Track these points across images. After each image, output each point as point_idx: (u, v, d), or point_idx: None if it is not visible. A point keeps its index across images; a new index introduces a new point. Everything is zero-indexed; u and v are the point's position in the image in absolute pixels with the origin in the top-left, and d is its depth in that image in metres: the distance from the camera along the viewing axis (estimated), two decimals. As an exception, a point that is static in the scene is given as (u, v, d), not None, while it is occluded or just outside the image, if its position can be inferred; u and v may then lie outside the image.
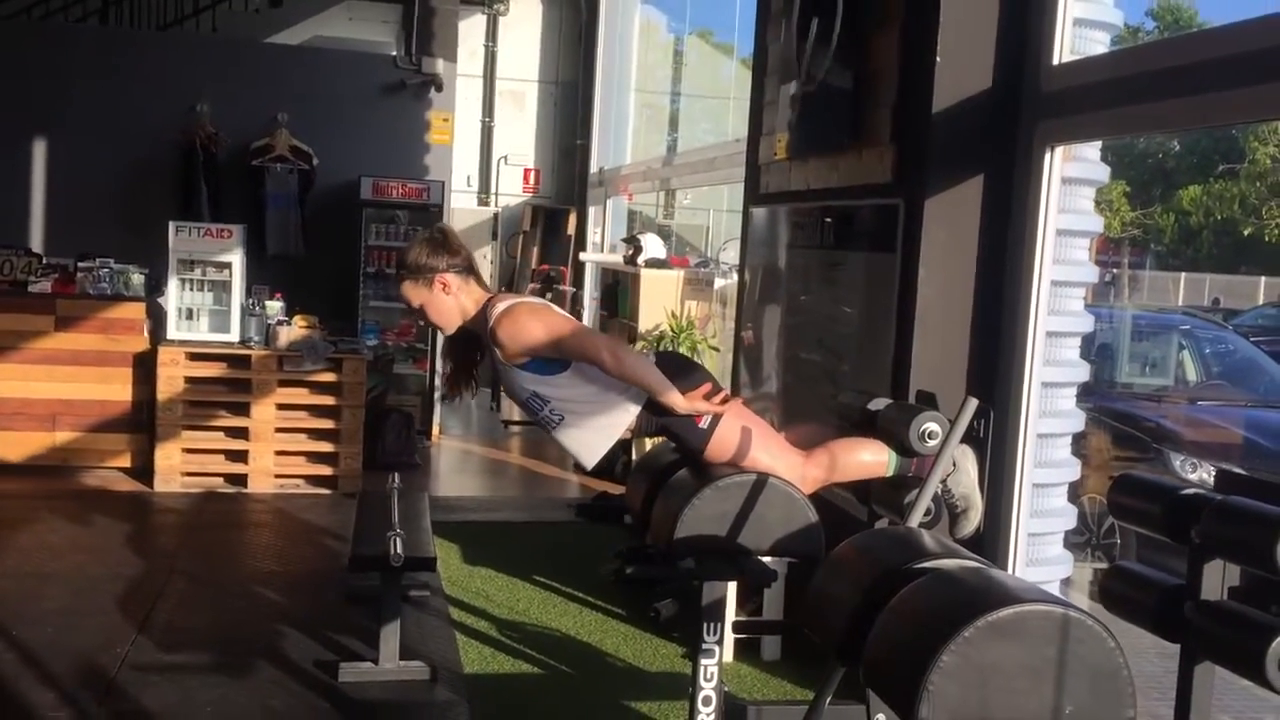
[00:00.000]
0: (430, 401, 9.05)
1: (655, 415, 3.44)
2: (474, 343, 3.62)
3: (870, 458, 3.53)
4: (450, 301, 3.52)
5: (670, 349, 7.40)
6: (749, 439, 3.46)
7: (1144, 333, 8.34)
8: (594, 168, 11.43)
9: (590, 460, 3.58)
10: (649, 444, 6.90)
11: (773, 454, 3.46)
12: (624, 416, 3.45)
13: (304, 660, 4.37)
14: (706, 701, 3.31)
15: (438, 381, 9.16)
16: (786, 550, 3.38)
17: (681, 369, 3.54)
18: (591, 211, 11.46)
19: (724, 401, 3.43)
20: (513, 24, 11.90)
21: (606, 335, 3.49)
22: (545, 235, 11.62)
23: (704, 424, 3.41)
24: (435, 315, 3.54)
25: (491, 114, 11.88)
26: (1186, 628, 2.40)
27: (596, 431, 3.48)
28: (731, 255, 7.88)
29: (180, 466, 6.96)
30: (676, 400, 3.36)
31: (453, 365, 3.72)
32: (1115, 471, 6.03)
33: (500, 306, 3.44)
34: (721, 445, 3.43)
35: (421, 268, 3.50)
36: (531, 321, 3.40)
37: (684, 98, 12.13)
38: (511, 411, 10.56)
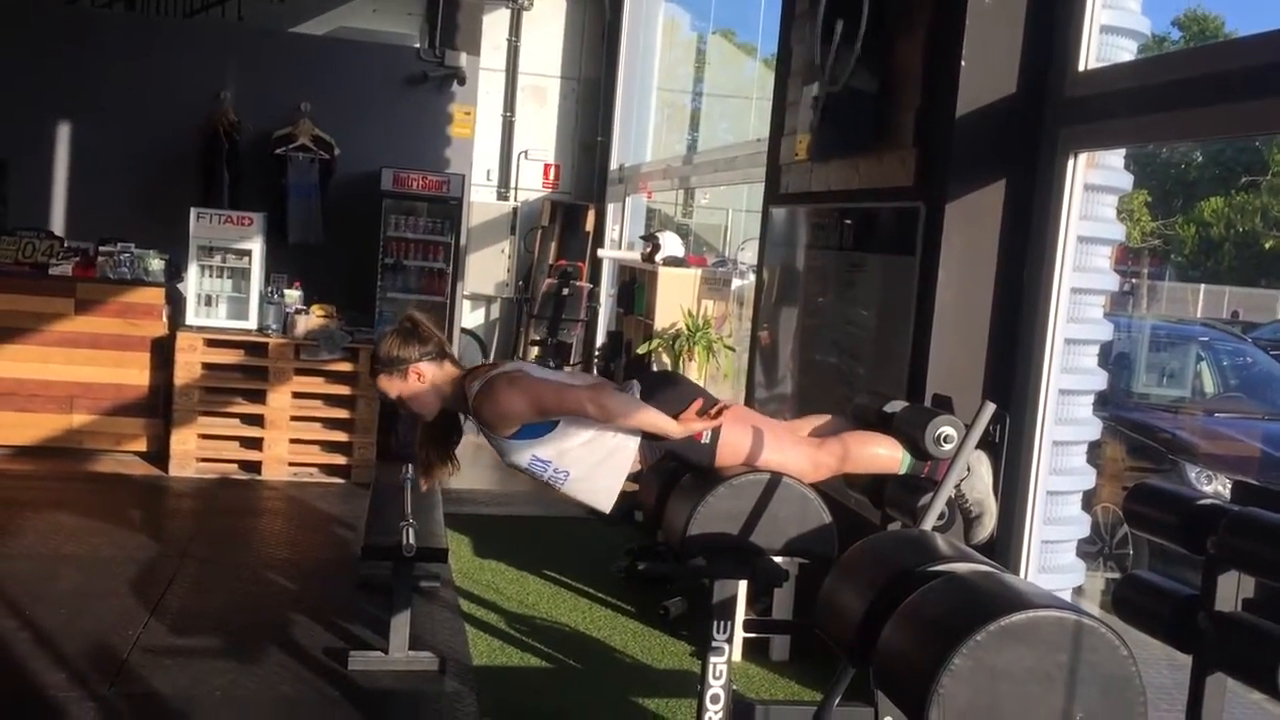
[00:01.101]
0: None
1: (656, 442, 3.43)
2: (453, 424, 3.62)
3: (885, 452, 3.52)
4: (427, 389, 3.52)
5: (650, 358, 7.38)
6: (756, 441, 3.45)
7: (1162, 343, 8.31)
8: (614, 165, 11.43)
9: (607, 505, 3.55)
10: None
11: (782, 449, 3.45)
12: (626, 453, 3.43)
13: (314, 647, 4.38)
14: (715, 700, 3.31)
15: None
16: (799, 550, 3.38)
17: (668, 388, 3.52)
18: (610, 208, 11.46)
19: (718, 414, 3.41)
20: (536, 19, 11.90)
21: (587, 384, 3.46)
22: (564, 231, 11.62)
23: (705, 439, 3.40)
24: (415, 405, 3.53)
25: (513, 109, 11.88)
26: (1199, 638, 2.39)
27: (605, 475, 3.46)
28: (750, 255, 7.87)
29: (195, 452, 6.99)
30: (672, 429, 3.34)
31: (430, 452, 3.67)
32: (1129, 481, 6.02)
33: (476, 385, 3.41)
34: (729, 454, 3.42)
35: (394, 360, 3.50)
36: (511, 394, 3.37)
37: (705, 97, 12.12)
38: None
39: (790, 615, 4.54)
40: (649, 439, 3.43)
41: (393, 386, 3.53)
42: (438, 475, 3.71)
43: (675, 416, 3.37)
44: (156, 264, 7.39)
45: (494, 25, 11.34)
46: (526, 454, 3.44)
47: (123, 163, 8.55)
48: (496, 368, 3.52)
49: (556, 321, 10.79)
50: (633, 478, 3.61)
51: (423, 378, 3.51)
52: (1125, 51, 3.95)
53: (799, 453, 3.43)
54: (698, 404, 3.42)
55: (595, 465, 3.44)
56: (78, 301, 7.18)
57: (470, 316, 11.45)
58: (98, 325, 7.16)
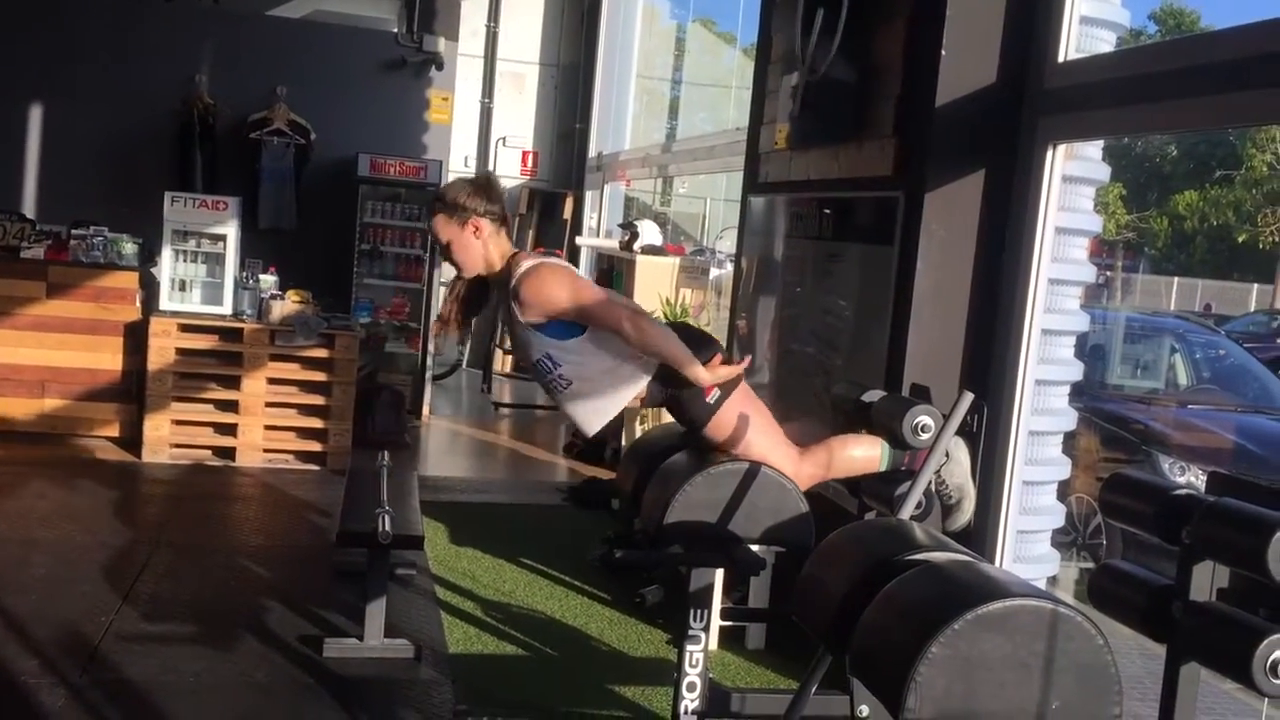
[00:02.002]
0: (421, 381, 9.03)
1: (665, 386, 3.44)
2: (484, 293, 3.60)
3: (864, 453, 3.55)
4: (478, 246, 3.52)
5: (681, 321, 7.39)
6: (751, 423, 3.47)
7: (1136, 335, 8.37)
8: (592, 152, 11.41)
9: (593, 428, 3.59)
10: (639, 429, 6.90)
11: (772, 443, 3.48)
12: (633, 387, 3.46)
13: (288, 634, 4.36)
14: (691, 688, 3.31)
15: (429, 361, 9.16)
16: (777, 539, 3.39)
17: (695, 341, 3.54)
18: (589, 196, 11.44)
19: (738, 373, 3.44)
20: (515, 5, 11.85)
21: (628, 303, 3.47)
22: (541, 218, 11.60)
23: (711, 398, 3.42)
24: (460, 254, 3.53)
25: (491, 95, 11.83)
26: (1174, 628, 2.40)
27: (604, 399, 3.49)
28: (728, 244, 7.87)
29: (169, 438, 6.93)
30: (700, 373, 3.36)
31: (455, 301, 3.68)
32: (1104, 472, 6.06)
33: (526, 264, 3.43)
34: (725, 423, 3.45)
35: (459, 205, 3.50)
36: (556, 284, 3.39)
37: (684, 85, 12.11)
38: (502, 394, 10.56)
39: (767, 604, 4.54)
40: (660, 380, 3.43)
41: (447, 231, 3.52)
42: (450, 331, 3.72)
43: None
44: (130, 248, 7.31)
45: (472, 10, 11.28)
46: (541, 349, 3.44)
47: (96, 145, 8.47)
48: (548, 257, 3.53)
49: (534, 309, 10.76)
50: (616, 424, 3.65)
51: (479, 233, 3.51)
52: (1104, 43, 3.96)
53: (784, 454, 3.46)
54: (719, 359, 3.43)
55: (600, 386, 3.47)
56: (49, 285, 7.10)
57: (447, 303, 11.39)
58: (70, 309, 7.09)
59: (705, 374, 3.37)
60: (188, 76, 8.54)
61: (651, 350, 3.36)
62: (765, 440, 3.48)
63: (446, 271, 10.44)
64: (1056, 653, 2.12)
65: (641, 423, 7.21)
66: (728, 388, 3.47)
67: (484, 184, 3.56)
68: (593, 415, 3.52)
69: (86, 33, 8.52)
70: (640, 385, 3.45)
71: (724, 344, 6.39)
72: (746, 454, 3.49)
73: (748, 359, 3.51)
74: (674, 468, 3.47)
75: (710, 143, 8.45)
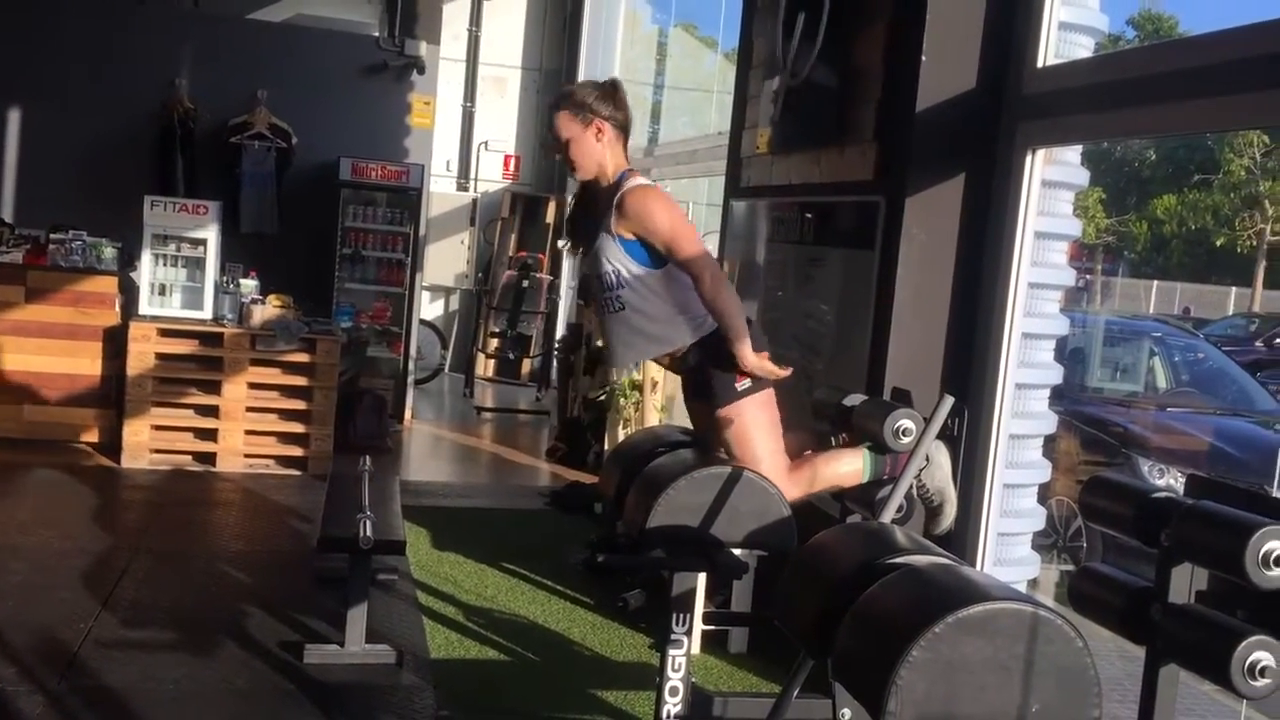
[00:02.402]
0: (403, 385, 9.02)
1: (703, 355, 3.46)
2: (593, 206, 3.62)
3: (847, 468, 3.58)
4: (598, 149, 3.55)
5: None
6: (760, 427, 3.49)
7: (1116, 338, 8.42)
8: (574, 157, 11.39)
9: (623, 361, 3.65)
10: (621, 433, 6.90)
11: (770, 452, 3.50)
12: (675, 339, 3.51)
13: (269, 641, 4.34)
14: (673, 692, 3.31)
15: (411, 365, 9.14)
16: (759, 543, 3.39)
17: (755, 333, 3.57)
18: (571, 200, 11.42)
19: (776, 378, 3.50)
20: (497, 9, 11.84)
21: (716, 261, 3.50)
22: (524, 222, 11.59)
23: (741, 386, 3.44)
24: (577, 154, 3.55)
25: (473, 99, 11.83)
26: (1153, 630, 2.42)
27: (645, 338, 3.53)
28: (710, 248, 7.86)
29: (149, 443, 6.89)
30: (748, 353, 3.39)
31: (574, 212, 3.77)
32: (1083, 475, 6.08)
33: (639, 180, 3.51)
34: (740, 414, 3.47)
35: (585, 105, 3.54)
36: (662, 205, 3.45)
37: (666, 89, 12.11)
38: (485, 398, 10.55)
39: (749, 608, 4.55)
40: (699, 347, 3.45)
41: (569, 128, 3.54)
42: (578, 242, 3.74)
43: None
44: (109, 252, 7.27)
45: (454, 14, 11.27)
46: (616, 261, 3.47)
47: (76, 149, 8.42)
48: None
49: (516, 313, 10.77)
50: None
51: (601, 135, 3.54)
52: (1083, 48, 3.99)
53: (776, 466, 3.48)
54: (768, 354, 3.48)
55: (648, 323, 3.50)
56: (28, 290, 7.05)
57: (429, 308, 11.40)
58: (49, 314, 7.04)
59: (752, 357, 3.40)
60: (168, 80, 8.50)
61: (719, 309, 3.40)
62: (765, 448, 3.50)
63: (429, 275, 10.48)
64: (1036, 655, 2.13)
65: (623, 426, 7.21)
66: (759, 384, 3.50)
67: (612, 90, 3.60)
68: (628, 348, 3.57)
69: (64, 36, 8.47)
70: (682, 342, 3.50)
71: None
72: (742, 454, 3.50)
73: (790, 370, 3.52)
74: (657, 472, 3.47)
75: (692, 147, 8.46)
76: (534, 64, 11.93)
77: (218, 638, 4.33)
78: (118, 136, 8.49)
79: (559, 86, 11.52)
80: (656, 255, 3.45)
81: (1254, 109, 3.14)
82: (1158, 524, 2.42)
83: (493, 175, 11.88)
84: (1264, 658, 2.18)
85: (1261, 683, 2.19)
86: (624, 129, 3.58)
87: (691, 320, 3.48)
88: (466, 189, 11.82)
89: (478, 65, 11.82)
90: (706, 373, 3.49)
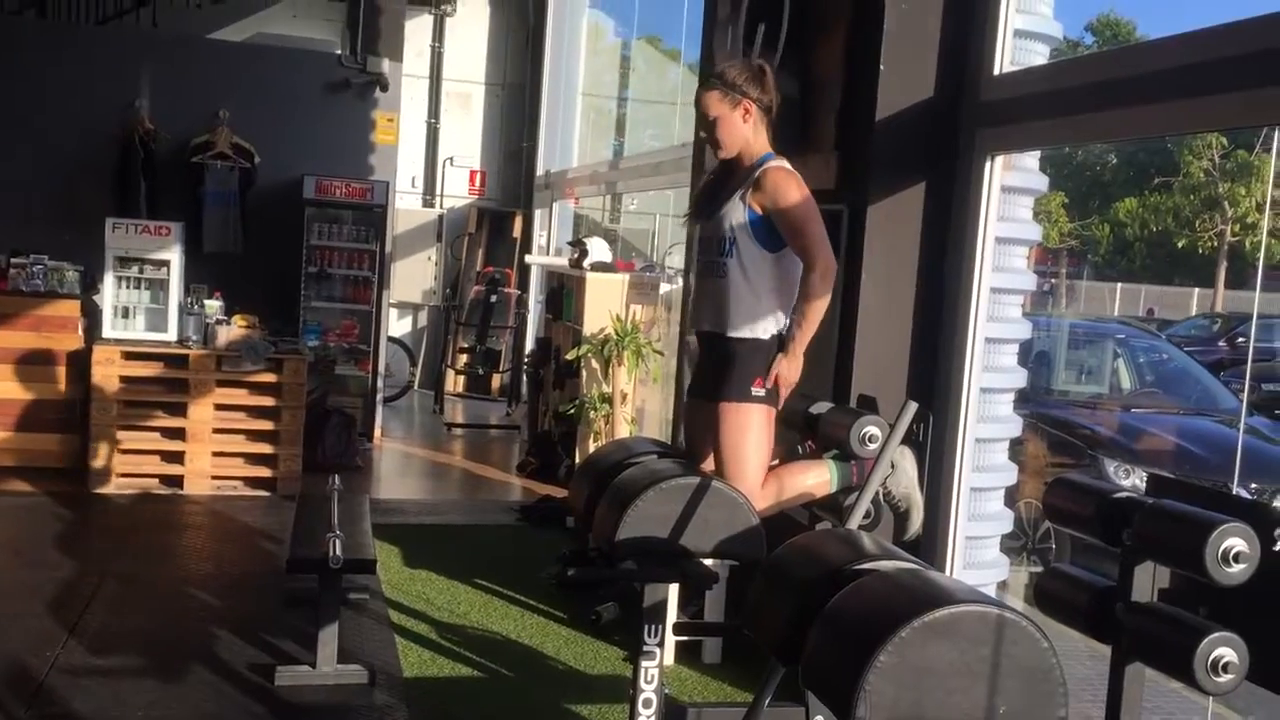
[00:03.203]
0: (372, 403, 8.98)
1: (740, 350, 3.53)
2: (729, 181, 3.64)
3: (813, 479, 3.60)
4: (743, 129, 3.58)
5: (580, 364, 7.42)
6: (757, 438, 3.50)
7: (1080, 341, 8.50)
8: (540, 171, 11.41)
9: (700, 323, 3.69)
10: (591, 445, 6.90)
11: (756, 467, 3.52)
12: (765, 328, 3.55)
13: (239, 664, 4.30)
14: (647, 704, 3.31)
15: (380, 383, 9.10)
16: (728, 552, 3.39)
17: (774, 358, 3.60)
18: (538, 215, 11.44)
19: (775, 396, 3.54)
20: (460, 25, 11.85)
21: (834, 263, 3.55)
22: (491, 238, 11.59)
23: (756, 391, 3.47)
24: (724, 132, 3.58)
25: (437, 115, 11.83)
26: (1118, 629, 2.44)
27: (731, 311, 3.56)
28: (677, 260, 7.90)
29: (115, 467, 6.83)
30: (797, 356, 3.51)
31: (707, 185, 3.80)
32: (1051, 477, 6.13)
33: (784, 162, 3.56)
34: (735, 417, 3.48)
35: (735, 85, 3.57)
36: (799, 189, 3.50)
37: (630, 102, 12.15)
38: (455, 414, 10.52)
39: (722, 617, 4.56)
40: (741, 346, 3.56)
41: (718, 107, 3.57)
42: (703, 212, 3.74)
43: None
44: (71, 275, 7.22)
45: (416, 31, 11.27)
46: (737, 229, 3.53)
47: (35, 172, 8.35)
48: None
49: (485, 329, 10.75)
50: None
51: (748, 116, 3.57)
52: (1038, 55, 4.03)
53: (753, 485, 3.50)
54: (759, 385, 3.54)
55: (743, 300, 3.54)
56: (-11, 315, 6.99)
57: (397, 325, 11.36)
58: (10, 339, 6.97)
59: (799, 362, 3.50)
60: (128, 101, 8.44)
61: (810, 303, 3.46)
62: (754, 459, 3.51)
63: (396, 292, 10.44)
64: (1002, 657, 2.14)
65: (594, 439, 7.22)
66: (770, 398, 3.53)
67: (761, 74, 3.63)
68: (715, 311, 3.60)
69: (23, 59, 8.40)
70: (770, 334, 3.54)
71: (675, 361, 6.42)
72: (731, 456, 3.51)
73: (768, 406, 3.57)
74: (625, 483, 3.47)
75: (657, 159, 8.49)
76: (498, 79, 11.94)
77: (187, 662, 4.29)
78: (78, 159, 8.43)
79: (521, 93, 11.56)
80: (776, 238, 3.50)
81: (1210, 112, 3.19)
82: (1120, 524, 2.44)
83: (458, 191, 11.87)
84: (1226, 654, 2.21)
85: (1224, 678, 2.22)
86: (769, 111, 3.62)
87: (775, 315, 3.52)
88: (432, 205, 11.80)
89: (441, 81, 11.82)
90: (732, 358, 3.52)
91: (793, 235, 3.48)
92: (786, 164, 3.58)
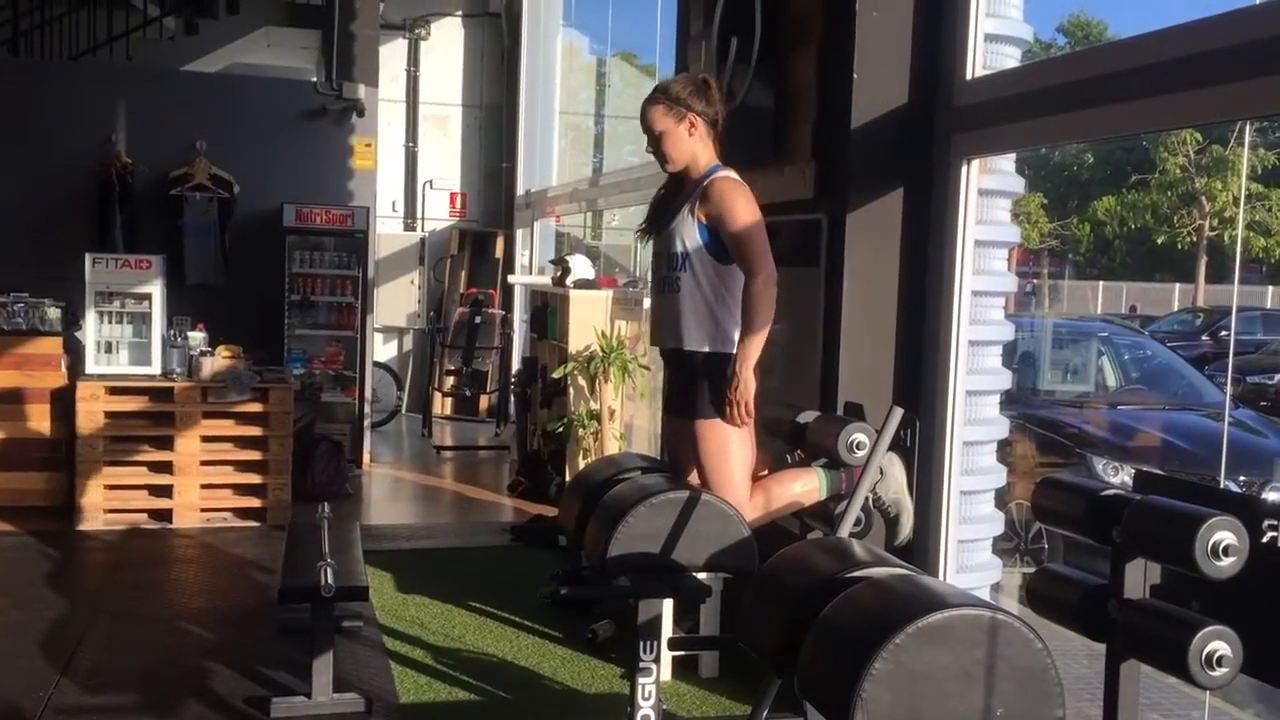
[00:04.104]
0: (360, 429, 8.95)
1: (709, 366, 3.54)
2: (678, 193, 3.66)
3: (802, 487, 3.60)
4: (689, 143, 3.61)
5: (567, 381, 7.42)
6: (737, 450, 3.51)
7: (1064, 340, 8.53)
8: (520, 190, 11.42)
9: (659, 341, 3.71)
10: (581, 462, 6.89)
11: (742, 478, 3.52)
12: (728, 340, 3.56)
13: (234, 697, 4.27)
14: (645, 720, 3.30)
15: (368, 409, 9.08)
16: (720, 566, 3.39)
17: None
18: (519, 234, 11.44)
19: (741, 420, 3.54)
20: (434, 48, 11.87)
21: (775, 274, 3.56)
22: (473, 259, 11.59)
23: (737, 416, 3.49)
24: (670, 146, 3.61)
25: (415, 139, 11.83)
26: (1111, 626, 2.45)
27: (686, 326, 3.58)
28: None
29: (102, 504, 6.79)
30: (746, 368, 3.47)
31: (658, 199, 3.81)
32: (1040, 477, 6.15)
33: (731, 173, 3.58)
34: (712, 433, 3.49)
35: (680, 99, 3.60)
36: (745, 200, 3.53)
37: (608, 119, 12.17)
38: (443, 437, 10.49)
39: (717, 631, 4.55)
40: (709, 360, 3.57)
41: (663, 122, 3.60)
42: (652, 231, 3.76)
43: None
44: (53, 312, 7.18)
45: (391, 56, 11.28)
46: (688, 242, 3.55)
47: (12, 210, 8.32)
48: None
49: (470, 350, 10.74)
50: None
51: (694, 130, 3.60)
52: (1010, 59, 4.06)
53: (739, 498, 3.50)
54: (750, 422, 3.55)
55: (698, 313, 3.56)
56: (-29, 355, 6.95)
57: (383, 349, 11.35)
58: (-7, 379, 6.94)
59: (749, 374, 3.45)
60: (104, 136, 8.43)
61: (750, 309, 3.46)
62: (738, 472, 3.52)
63: (380, 316, 10.43)
64: (997, 659, 2.14)
65: (584, 456, 7.20)
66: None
67: (705, 87, 3.66)
68: (669, 330, 3.61)
69: (-4, 96, 8.39)
70: (712, 345, 3.55)
71: (660, 375, 6.42)
72: (714, 471, 3.51)
73: (750, 423, 3.56)
74: (615, 500, 3.46)
75: (637, 175, 8.50)
76: (475, 101, 11.96)
77: (181, 698, 4.26)
78: (56, 195, 8.40)
79: (499, 114, 11.58)
80: (723, 250, 3.51)
81: (1182, 108, 3.21)
82: (1109, 521, 2.45)
83: (439, 213, 11.87)
84: (1220, 647, 2.22)
85: (1219, 672, 2.22)
86: (715, 124, 3.65)
87: (737, 326, 3.53)
88: (414, 228, 11.80)
89: (418, 105, 11.84)
90: (699, 382, 3.52)
91: (735, 245, 3.50)
92: (734, 175, 3.60)
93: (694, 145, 3.61)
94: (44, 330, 7.11)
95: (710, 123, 3.63)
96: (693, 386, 3.57)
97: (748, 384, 3.47)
